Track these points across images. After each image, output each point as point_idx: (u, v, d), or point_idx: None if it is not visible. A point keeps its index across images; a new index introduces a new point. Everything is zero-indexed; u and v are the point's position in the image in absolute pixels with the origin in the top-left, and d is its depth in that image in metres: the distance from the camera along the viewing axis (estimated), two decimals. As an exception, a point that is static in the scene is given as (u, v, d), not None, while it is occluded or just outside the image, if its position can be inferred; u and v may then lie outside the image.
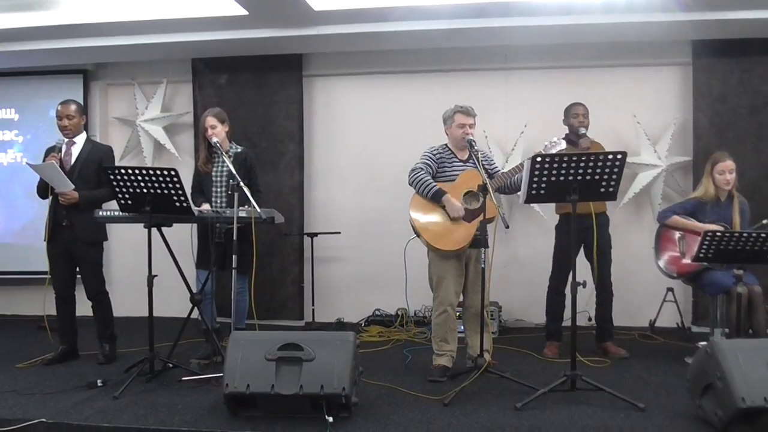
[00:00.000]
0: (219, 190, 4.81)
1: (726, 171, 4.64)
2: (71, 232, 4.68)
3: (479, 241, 4.20)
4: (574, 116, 4.95)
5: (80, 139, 4.82)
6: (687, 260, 4.66)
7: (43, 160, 4.75)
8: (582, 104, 4.99)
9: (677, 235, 4.77)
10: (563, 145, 4.33)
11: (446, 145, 4.51)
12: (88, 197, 4.64)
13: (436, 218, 4.29)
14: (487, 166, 4.42)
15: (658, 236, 4.89)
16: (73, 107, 4.79)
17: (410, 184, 4.36)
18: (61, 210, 4.66)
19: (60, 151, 4.70)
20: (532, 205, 5.88)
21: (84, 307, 4.89)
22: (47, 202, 4.71)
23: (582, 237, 4.86)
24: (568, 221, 4.88)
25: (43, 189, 4.71)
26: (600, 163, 3.67)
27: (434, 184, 4.29)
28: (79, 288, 4.85)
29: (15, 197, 6.85)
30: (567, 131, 5.00)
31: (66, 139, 4.76)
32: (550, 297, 5.06)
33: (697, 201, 4.76)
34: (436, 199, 4.27)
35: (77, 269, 4.85)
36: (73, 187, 4.60)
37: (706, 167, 4.78)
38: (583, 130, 4.85)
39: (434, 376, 4.27)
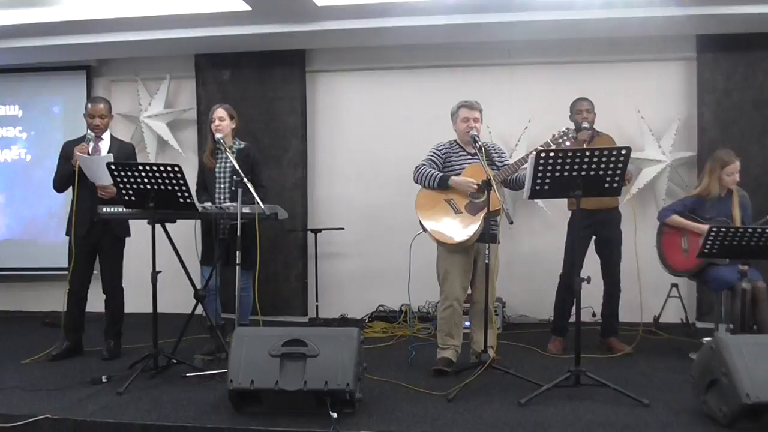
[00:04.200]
0: (222, 186, 4.81)
1: (735, 172, 4.65)
2: (103, 227, 4.71)
3: (488, 236, 4.18)
4: (578, 112, 4.93)
5: (107, 136, 4.85)
6: (690, 257, 4.65)
7: (61, 153, 4.80)
8: (586, 99, 4.97)
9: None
10: (573, 132, 4.30)
11: (455, 140, 4.51)
12: None
13: (441, 213, 4.29)
14: (497, 159, 4.42)
15: (660, 235, 4.88)
16: (103, 106, 4.81)
17: (416, 182, 4.37)
18: (95, 205, 4.62)
19: (89, 143, 4.67)
20: (536, 200, 5.87)
21: (90, 303, 4.91)
22: (57, 197, 4.68)
23: (594, 231, 4.86)
24: (581, 216, 4.88)
25: (69, 181, 4.66)
26: (604, 159, 3.67)
27: (438, 173, 4.29)
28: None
29: (20, 194, 6.87)
30: (573, 127, 4.98)
31: (93, 135, 4.75)
32: (559, 293, 5.05)
33: (697, 198, 4.75)
34: (443, 184, 4.26)
35: (94, 265, 4.88)
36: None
37: (711, 166, 4.74)
38: (586, 125, 4.82)
39: (439, 366, 4.27)
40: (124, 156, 4.78)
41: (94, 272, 4.92)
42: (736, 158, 4.66)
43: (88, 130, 4.76)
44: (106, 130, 4.82)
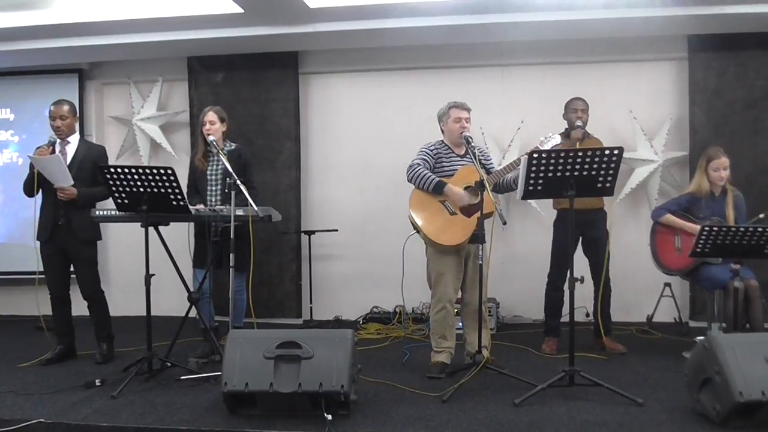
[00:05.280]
0: (214, 188, 4.80)
1: (720, 168, 4.65)
2: (68, 231, 4.67)
3: (477, 236, 4.20)
4: (573, 111, 4.95)
5: (74, 139, 4.82)
6: (683, 256, 4.66)
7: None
8: (581, 99, 4.99)
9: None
10: (557, 139, 4.35)
11: (442, 141, 4.51)
12: (85, 194, 4.63)
13: (435, 214, 4.29)
14: (484, 162, 4.42)
15: (653, 233, 4.89)
16: (65, 108, 4.77)
17: (409, 181, 4.35)
18: (58, 209, 4.64)
19: (51, 145, 4.66)
20: (529, 201, 5.88)
21: (81, 306, 4.89)
22: (40, 201, 4.68)
23: (580, 231, 4.87)
24: (566, 217, 4.89)
25: (31, 186, 4.64)
26: (597, 159, 3.68)
27: (434, 176, 4.29)
28: (74, 287, 4.84)
29: (11, 197, 6.84)
30: (566, 126, 5.00)
31: (59, 139, 4.74)
32: (548, 293, 5.06)
33: (690, 196, 4.77)
34: (437, 190, 4.26)
35: (71, 268, 4.84)
36: (73, 182, 4.58)
37: (699, 162, 4.79)
38: (579, 123, 4.85)
39: (433, 373, 4.28)
40: (92, 158, 4.76)
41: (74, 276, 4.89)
42: (723, 155, 4.68)
43: (51, 133, 4.75)
44: (70, 132, 4.79)
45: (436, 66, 6.31)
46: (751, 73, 5.79)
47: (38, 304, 4.77)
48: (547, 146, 4.27)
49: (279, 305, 6.41)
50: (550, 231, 5.08)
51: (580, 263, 4.84)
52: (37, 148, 4.68)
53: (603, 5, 5.19)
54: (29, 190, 4.71)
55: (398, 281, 4.82)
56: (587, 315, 5.63)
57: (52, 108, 4.77)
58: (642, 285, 5.87)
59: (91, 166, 4.72)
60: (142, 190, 4.09)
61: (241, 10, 5.28)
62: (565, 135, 4.93)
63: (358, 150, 6.43)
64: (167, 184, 4.06)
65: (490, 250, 4.16)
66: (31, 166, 4.71)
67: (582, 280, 3.88)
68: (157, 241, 4.38)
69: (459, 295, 4.51)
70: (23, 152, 6.80)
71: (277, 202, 5.97)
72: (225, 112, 4.91)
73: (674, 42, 5.94)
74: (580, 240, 4.96)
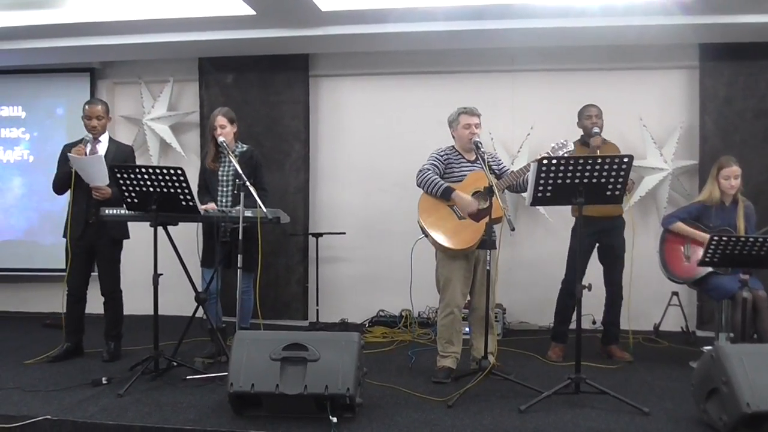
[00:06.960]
0: (225, 189, 4.82)
1: (731, 176, 4.64)
2: (99, 229, 4.70)
3: (488, 242, 4.19)
4: (587, 117, 4.93)
5: (105, 138, 4.85)
6: (692, 265, 4.65)
7: (60, 156, 4.80)
8: (595, 105, 4.97)
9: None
10: (570, 146, 4.33)
11: (453, 146, 4.51)
12: (117, 193, 4.63)
13: (444, 218, 4.29)
14: (494, 166, 4.43)
15: (662, 241, 4.88)
16: (101, 107, 4.80)
17: (418, 185, 4.36)
18: (90, 207, 4.65)
19: (86, 145, 4.68)
20: (537, 207, 5.87)
21: (91, 304, 4.92)
22: (58, 199, 4.71)
23: (597, 239, 4.86)
24: (584, 223, 4.89)
25: (64, 183, 4.67)
26: (606, 167, 3.68)
27: (443, 182, 4.29)
28: (92, 285, 4.88)
29: (21, 194, 6.88)
30: (581, 133, 4.98)
31: (91, 137, 4.76)
32: (561, 299, 5.02)
33: (701, 205, 4.76)
34: (445, 196, 4.26)
35: (93, 267, 4.88)
36: (109, 181, 4.60)
37: (711, 171, 4.78)
38: (596, 130, 4.83)
39: (439, 378, 4.28)
40: (122, 158, 4.78)
41: (93, 274, 4.92)
42: (735, 163, 4.67)
43: (86, 133, 4.76)
44: (103, 132, 4.82)
45: (447, 71, 6.31)
46: (762, 82, 5.77)
47: (64, 302, 4.78)
48: (561, 153, 4.25)
49: (285, 307, 6.41)
50: (558, 238, 5.09)
51: (597, 270, 4.86)
52: (71, 146, 4.70)
53: (614, 12, 5.18)
54: (63, 188, 4.75)
55: (405, 285, 4.82)
56: (594, 322, 5.61)
57: (87, 107, 4.79)
58: (649, 294, 5.85)
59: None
60: (151, 189, 4.11)
61: (253, 12, 5.30)
62: (581, 143, 4.92)
63: (367, 153, 6.44)
64: (177, 184, 4.08)
65: (498, 256, 4.15)
66: (60, 161, 4.75)
67: (590, 287, 3.87)
68: (166, 241, 4.40)
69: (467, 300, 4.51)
70: (34, 150, 6.85)
71: (286, 204, 5.97)
72: (234, 113, 4.92)
73: (685, 50, 5.92)
74: (597, 247, 4.94)
